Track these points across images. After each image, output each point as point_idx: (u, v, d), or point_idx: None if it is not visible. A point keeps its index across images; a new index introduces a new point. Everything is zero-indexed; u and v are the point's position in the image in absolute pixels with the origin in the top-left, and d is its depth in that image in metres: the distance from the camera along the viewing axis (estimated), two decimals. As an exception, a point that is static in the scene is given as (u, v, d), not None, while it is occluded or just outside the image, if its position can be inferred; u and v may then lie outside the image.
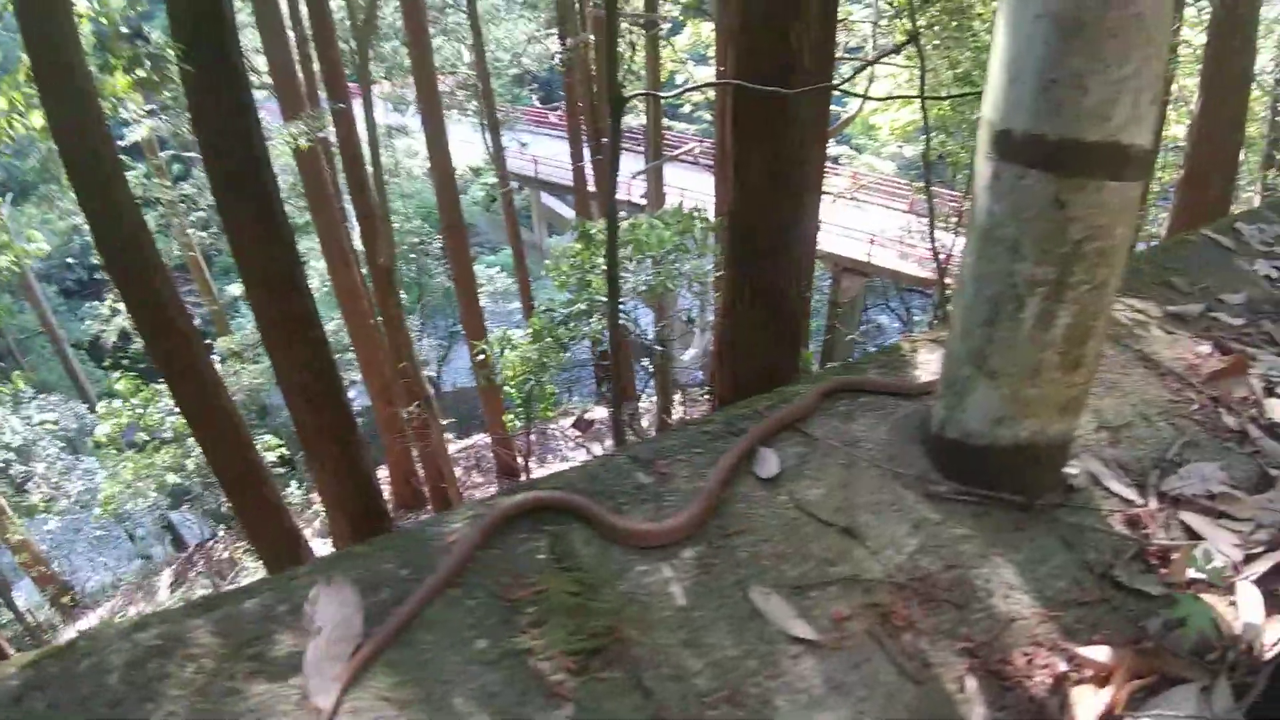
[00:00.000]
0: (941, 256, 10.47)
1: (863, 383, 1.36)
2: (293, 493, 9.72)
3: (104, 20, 5.01)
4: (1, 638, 7.04)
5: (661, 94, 4.01)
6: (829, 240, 13.22)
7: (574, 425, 11.22)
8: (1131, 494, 1.17)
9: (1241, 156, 8.92)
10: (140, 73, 5.30)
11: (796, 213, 4.92)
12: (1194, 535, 1.10)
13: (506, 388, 7.57)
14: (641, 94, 4.02)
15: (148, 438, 8.89)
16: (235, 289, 11.67)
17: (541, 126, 18.23)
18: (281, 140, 8.03)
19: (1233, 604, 0.99)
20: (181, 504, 10.15)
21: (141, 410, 7.84)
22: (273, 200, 5.21)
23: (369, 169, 7.97)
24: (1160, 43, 0.88)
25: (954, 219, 9.89)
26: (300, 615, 0.90)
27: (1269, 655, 0.91)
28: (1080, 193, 0.93)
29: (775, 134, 4.43)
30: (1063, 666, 0.88)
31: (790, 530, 1.10)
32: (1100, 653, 0.88)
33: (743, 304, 5.03)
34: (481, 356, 7.22)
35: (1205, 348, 1.65)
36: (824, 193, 12.49)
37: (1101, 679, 0.86)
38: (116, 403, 8.15)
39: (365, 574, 0.97)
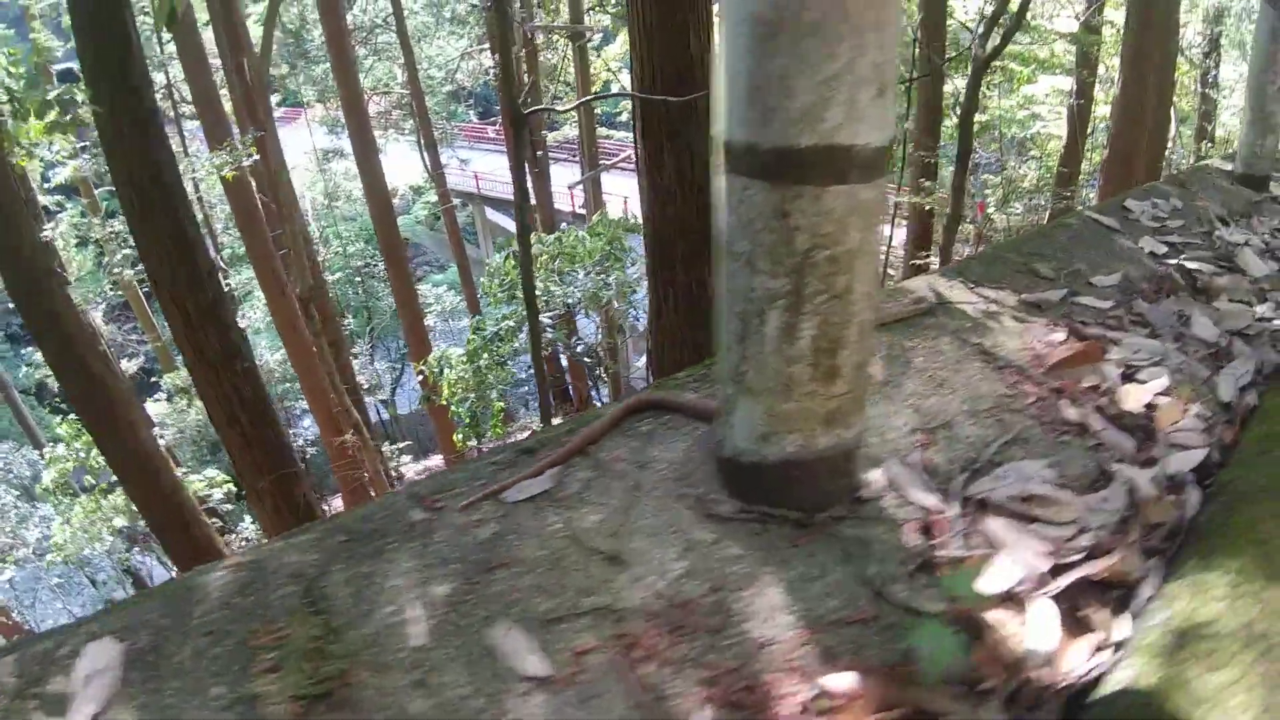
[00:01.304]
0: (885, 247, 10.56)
1: (663, 401, 1.30)
2: (246, 527, 9.46)
3: (11, 70, 4.85)
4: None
5: (556, 109, 3.96)
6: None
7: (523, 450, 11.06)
8: (933, 500, 1.12)
9: (1174, 130, 9.13)
10: (51, 116, 5.13)
11: (710, 210, 4.86)
12: (999, 544, 1.05)
13: (452, 407, 7.45)
14: (539, 109, 3.98)
15: (94, 481, 8.61)
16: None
17: (481, 142, 18.08)
18: (206, 171, 7.84)
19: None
20: (136, 546, 9.83)
21: (84, 454, 7.55)
22: (187, 233, 5.04)
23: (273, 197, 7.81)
24: (878, 30, 0.82)
25: (894, 209, 9.95)
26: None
27: (1063, 684, 0.84)
28: (801, 201, 0.87)
29: (684, 138, 4.40)
30: (809, 694, 0.82)
31: (555, 560, 1.03)
32: (845, 680, 0.82)
33: (667, 311, 4.98)
34: (421, 378, 7.09)
35: (1059, 335, 1.61)
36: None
37: (848, 710, 0.80)
38: (60, 448, 7.85)
39: (129, 623, 0.95)
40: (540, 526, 1.10)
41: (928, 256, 7.57)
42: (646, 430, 1.27)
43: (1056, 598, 0.93)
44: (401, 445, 11.90)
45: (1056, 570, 0.97)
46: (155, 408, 11.34)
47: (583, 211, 12.33)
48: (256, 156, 7.50)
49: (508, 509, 1.13)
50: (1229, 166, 3.03)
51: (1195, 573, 0.86)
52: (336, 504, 10.57)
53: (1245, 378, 1.47)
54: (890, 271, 10.13)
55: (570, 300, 6.03)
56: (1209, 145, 8.89)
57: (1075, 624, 0.90)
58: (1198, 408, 1.35)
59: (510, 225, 15.46)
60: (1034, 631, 0.89)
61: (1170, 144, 8.10)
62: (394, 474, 11.94)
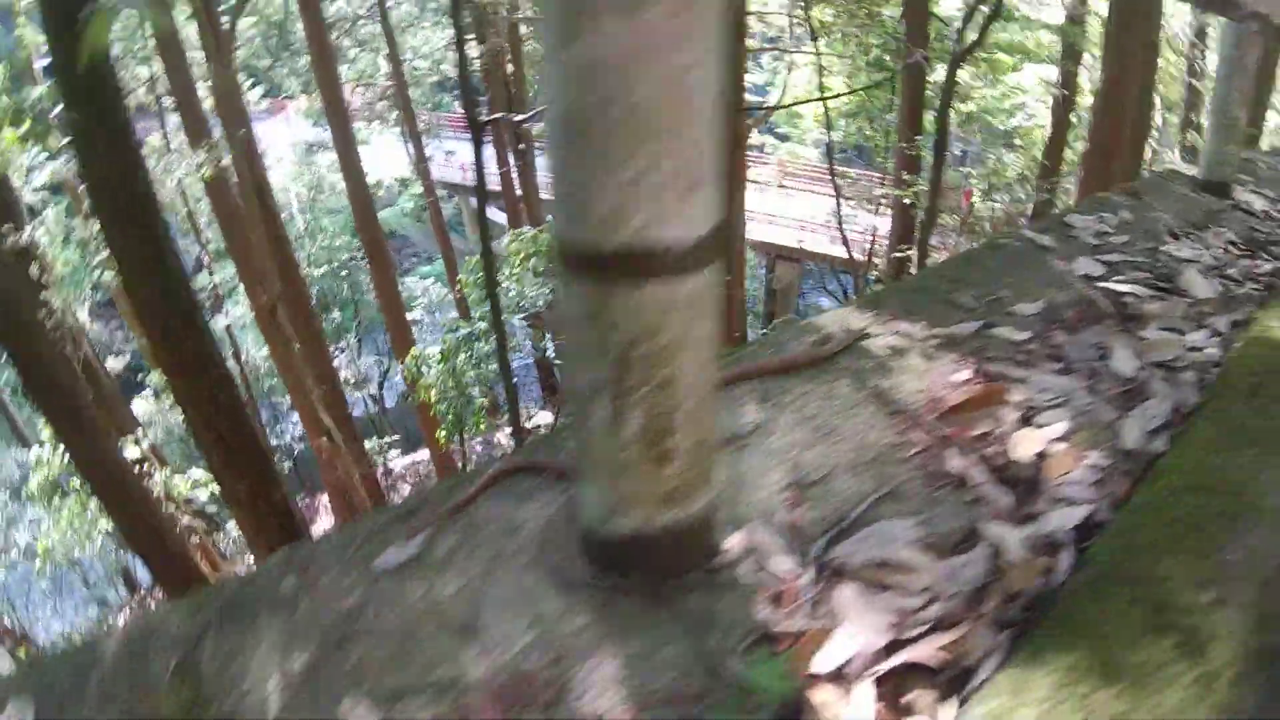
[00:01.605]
0: (865, 238, 10.52)
1: (533, 465, 1.27)
2: (233, 529, 9.48)
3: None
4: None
5: (514, 117, 3.91)
6: (760, 230, 13.21)
7: (513, 435, 11.09)
8: (788, 566, 1.09)
9: (1160, 120, 9.04)
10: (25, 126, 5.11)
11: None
12: (844, 615, 1.02)
13: (433, 405, 7.44)
14: (498, 118, 3.95)
15: (79, 483, 8.62)
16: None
17: (468, 133, 17.82)
18: (184, 171, 7.79)
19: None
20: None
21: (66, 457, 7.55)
22: (159, 243, 5.00)
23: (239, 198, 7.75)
24: (679, 135, 0.79)
25: (880, 200, 9.90)
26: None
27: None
28: (614, 299, 0.84)
29: None
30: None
31: (410, 631, 1.01)
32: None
33: None
34: (398, 375, 7.07)
35: (964, 374, 1.57)
36: (749, 182, 12.42)
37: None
38: (45, 451, 7.85)
39: (41, 684, 1.00)
40: (401, 596, 1.09)
41: (908, 249, 7.53)
42: (524, 489, 1.24)
43: (884, 679, 0.89)
44: (389, 439, 11.92)
45: (892, 647, 0.93)
46: (142, 405, 11.34)
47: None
48: (228, 159, 7.46)
49: (375, 577, 1.12)
50: (1193, 171, 2.98)
51: (1022, 665, 0.82)
52: (325, 500, 10.60)
53: (1157, 420, 1.41)
54: (876, 261, 10.08)
55: (542, 301, 5.99)
56: (1195, 135, 8.82)
57: (897, 710, 0.87)
58: (1096, 455, 1.31)
59: (500, 217, 15.39)
60: (852, 718, 0.86)
61: (1156, 133, 8.02)
62: (383, 468, 11.97)
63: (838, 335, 1.64)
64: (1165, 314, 1.81)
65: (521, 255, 6.68)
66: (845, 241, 5.93)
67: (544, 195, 12.85)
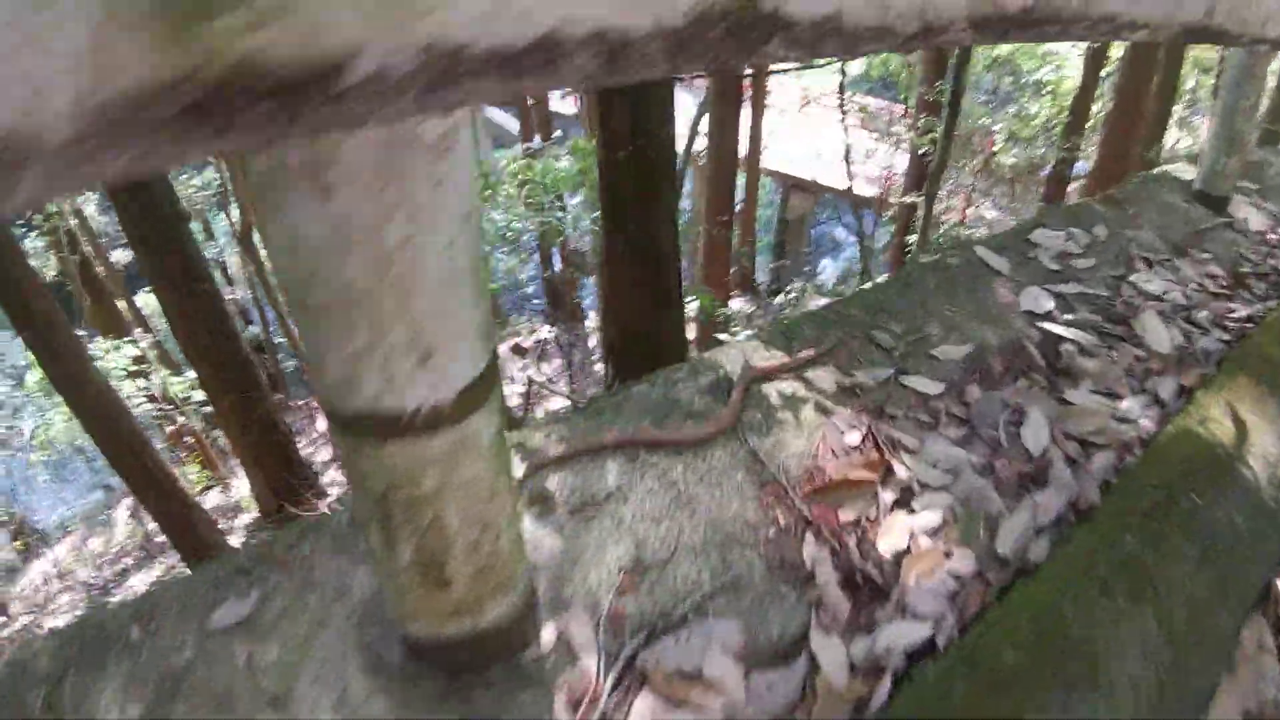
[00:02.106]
0: (883, 174, 10.06)
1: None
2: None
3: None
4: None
5: None
6: (776, 158, 12.68)
7: (512, 350, 11.08)
8: (593, 666, 1.03)
9: (1193, 82, 8.40)
10: None
11: (666, 162, 4.60)
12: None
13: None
14: None
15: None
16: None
17: None
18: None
19: None
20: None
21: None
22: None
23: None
24: (403, 309, 0.68)
25: (899, 137, 9.41)
26: None
27: None
28: (361, 454, 0.77)
29: (637, 91, 4.08)
30: None
31: (228, 696, 1.01)
32: None
33: (615, 258, 4.79)
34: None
35: (857, 436, 1.47)
36: (768, 108, 11.81)
37: None
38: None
39: None
40: (228, 656, 1.07)
41: (918, 195, 7.19)
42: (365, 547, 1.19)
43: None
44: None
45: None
46: (148, 298, 11.39)
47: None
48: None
49: (208, 633, 1.10)
50: (1190, 175, 2.74)
51: None
52: (322, 425, 10.72)
53: (1045, 518, 1.31)
54: (890, 200, 9.68)
55: (527, 236, 5.81)
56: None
57: None
58: (962, 558, 1.22)
59: (510, 124, 14.86)
60: None
61: (1186, 95, 7.42)
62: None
63: (736, 383, 1.53)
64: (1100, 374, 1.68)
65: (516, 179, 6.45)
66: (849, 176, 5.66)
67: (554, 107, 12.36)
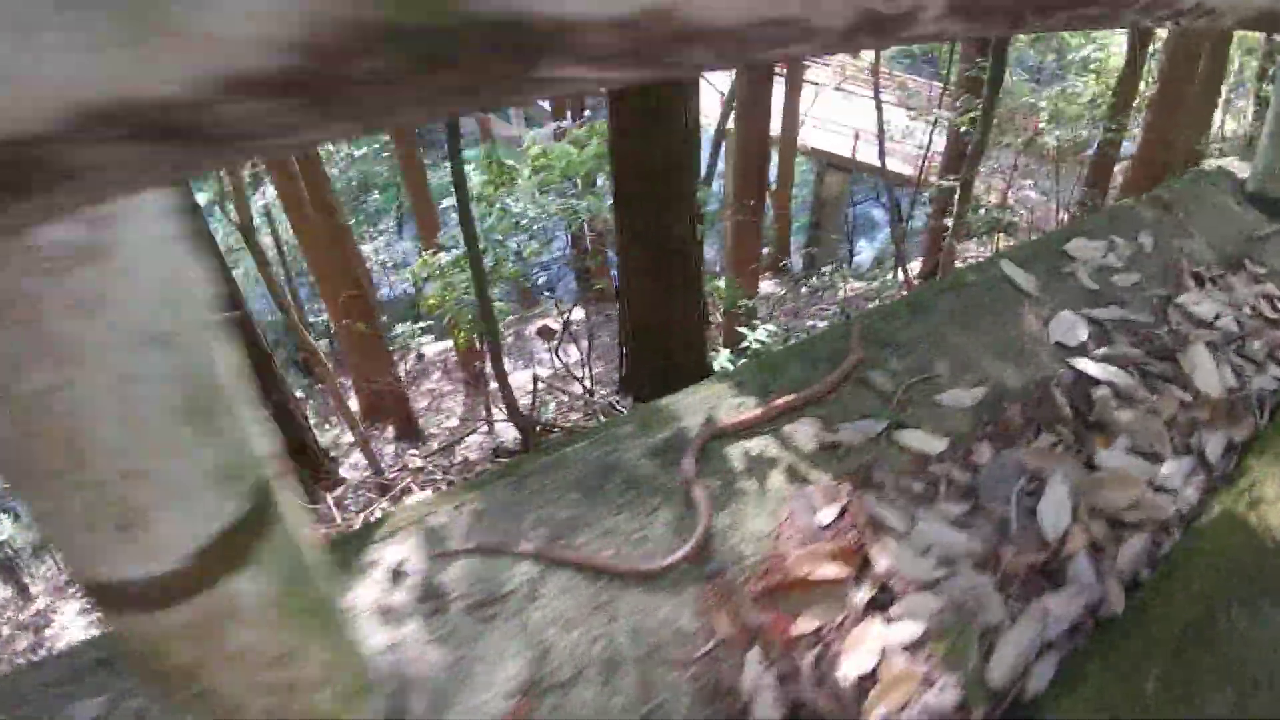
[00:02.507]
0: (923, 154, 9.55)
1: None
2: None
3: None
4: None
5: None
6: (813, 135, 12.18)
7: (538, 333, 10.90)
8: None
9: (1237, 65, 7.71)
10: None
11: (684, 147, 4.31)
12: None
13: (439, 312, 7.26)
14: None
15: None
16: (201, 198, 11.28)
17: None
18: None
19: None
20: None
21: None
22: None
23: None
24: (86, 471, 0.47)
25: (939, 113, 8.89)
26: None
27: None
28: (106, 616, 0.58)
29: None
30: None
31: None
32: None
33: (628, 248, 4.54)
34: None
35: (832, 510, 1.22)
36: (807, 83, 11.34)
37: None
38: None
39: None
40: None
41: (955, 178, 6.75)
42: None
43: None
44: (422, 325, 11.90)
45: None
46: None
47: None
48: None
49: None
50: (1245, 173, 2.38)
51: None
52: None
53: (1057, 627, 1.05)
54: (929, 180, 9.18)
55: (539, 225, 5.58)
56: (1271, 84, 7.48)
57: None
58: (944, 687, 0.98)
59: (542, 101, 14.54)
60: None
61: (1231, 76, 6.77)
62: (415, 354, 12.04)
63: (693, 441, 1.29)
64: (1139, 428, 1.39)
65: (533, 164, 6.21)
66: (881, 154, 5.30)
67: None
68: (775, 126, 11.33)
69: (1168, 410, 1.44)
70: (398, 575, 1.12)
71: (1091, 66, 7.49)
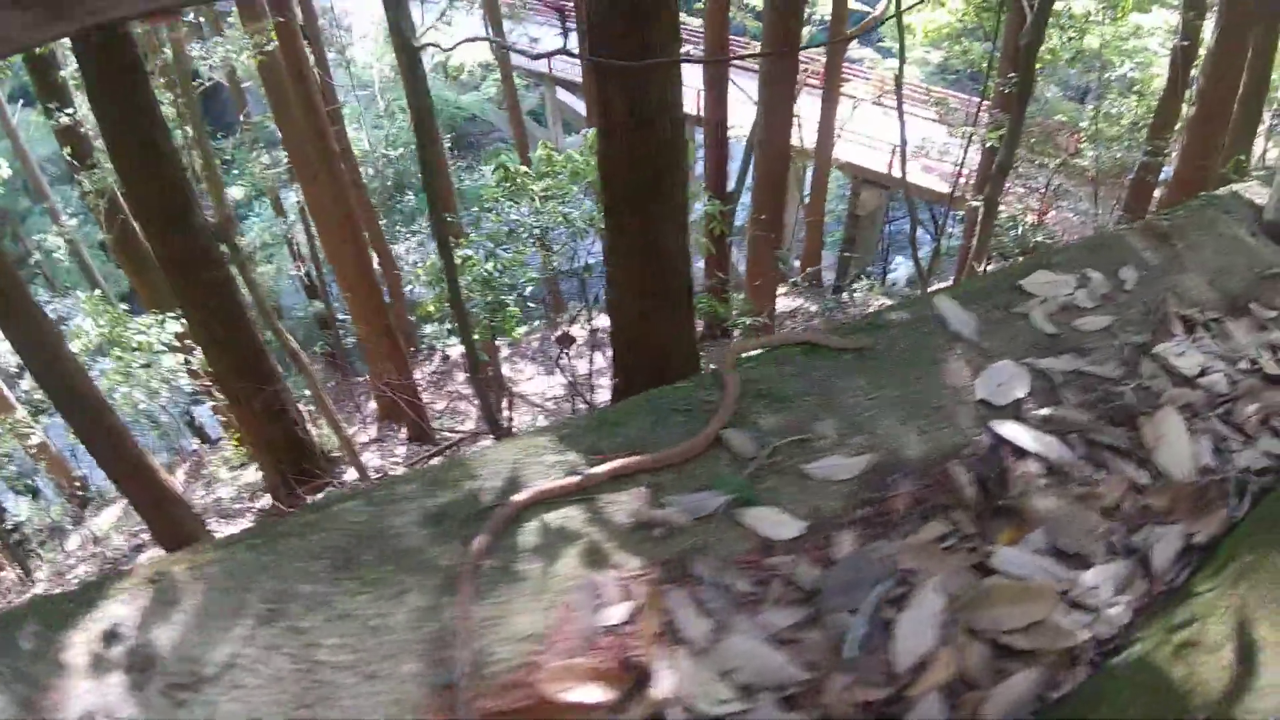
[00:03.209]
0: (963, 171, 9.07)
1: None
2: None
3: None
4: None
5: (441, 46, 3.22)
6: (849, 150, 11.75)
7: (556, 339, 10.71)
8: None
9: None
10: None
11: (670, 153, 4.04)
12: None
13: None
14: (429, 45, 3.30)
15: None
16: (236, 192, 11.46)
17: (546, 16, 16.55)
18: (225, 55, 7.48)
19: None
20: (195, 398, 10.23)
21: (107, 330, 7.74)
22: (157, 144, 4.74)
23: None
24: None
25: (977, 129, 8.42)
26: None
27: None
28: None
29: (639, 76, 3.58)
30: None
31: None
32: None
33: (616, 258, 4.28)
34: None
35: (624, 610, 0.94)
36: (845, 96, 10.96)
37: None
38: (85, 322, 8.08)
39: None
40: None
41: (980, 198, 6.35)
42: None
43: None
44: (450, 325, 11.83)
45: None
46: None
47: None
48: (275, 44, 7.05)
49: None
50: (1262, 199, 2.01)
51: None
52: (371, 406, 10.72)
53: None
54: (967, 198, 8.71)
55: (539, 228, 5.38)
56: None
57: None
58: None
59: (580, 107, 14.42)
60: None
61: (1276, 105, 6.19)
62: (440, 354, 12.00)
63: (495, 515, 1.03)
64: (1064, 521, 1.08)
65: (537, 171, 6.03)
66: (903, 168, 4.97)
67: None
68: (810, 139, 10.97)
69: (1111, 495, 1.13)
70: (111, 638, 0.92)
71: (1135, 88, 6.98)
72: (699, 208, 6.52)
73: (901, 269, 14.01)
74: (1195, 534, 1.08)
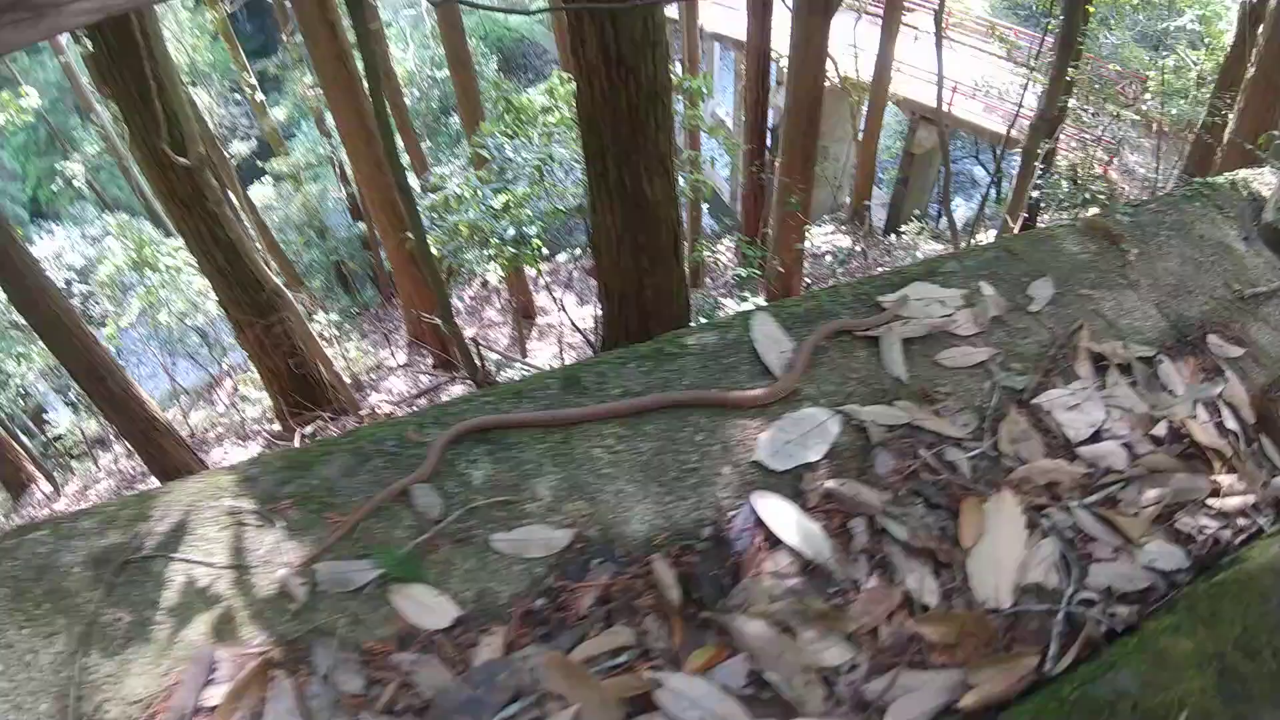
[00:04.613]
0: (1023, 110, 8.17)
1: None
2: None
3: None
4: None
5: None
6: (907, 84, 10.76)
7: (588, 270, 10.40)
8: None
9: None
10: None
11: (649, 99, 3.70)
12: None
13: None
14: None
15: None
16: (280, 113, 11.36)
17: None
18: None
19: None
20: None
21: (135, 253, 7.84)
22: (149, 82, 4.61)
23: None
24: None
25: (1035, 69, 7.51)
26: None
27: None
28: None
29: (605, 10, 3.25)
30: None
31: None
32: None
33: (600, 206, 3.99)
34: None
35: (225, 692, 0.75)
36: (906, 27, 9.97)
37: None
38: (113, 244, 8.18)
39: None
40: None
41: (1050, 143, 5.60)
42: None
43: None
44: (491, 251, 11.66)
45: None
46: (262, 191, 11.74)
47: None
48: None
49: None
50: (1268, 189, 1.58)
51: None
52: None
53: None
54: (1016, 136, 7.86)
55: (534, 165, 5.05)
56: None
57: None
58: None
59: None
60: None
61: None
62: (480, 279, 11.89)
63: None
64: (771, 648, 0.82)
65: (538, 107, 5.67)
66: (939, 99, 4.47)
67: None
68: (866, 72, 10.07)
69: (869, 614, 0.85)
70: None
71: (1204, 42, 6.00)
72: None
73: (961, 210, 13.04)
74: (969, 692, 0.79)
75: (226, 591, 0.86)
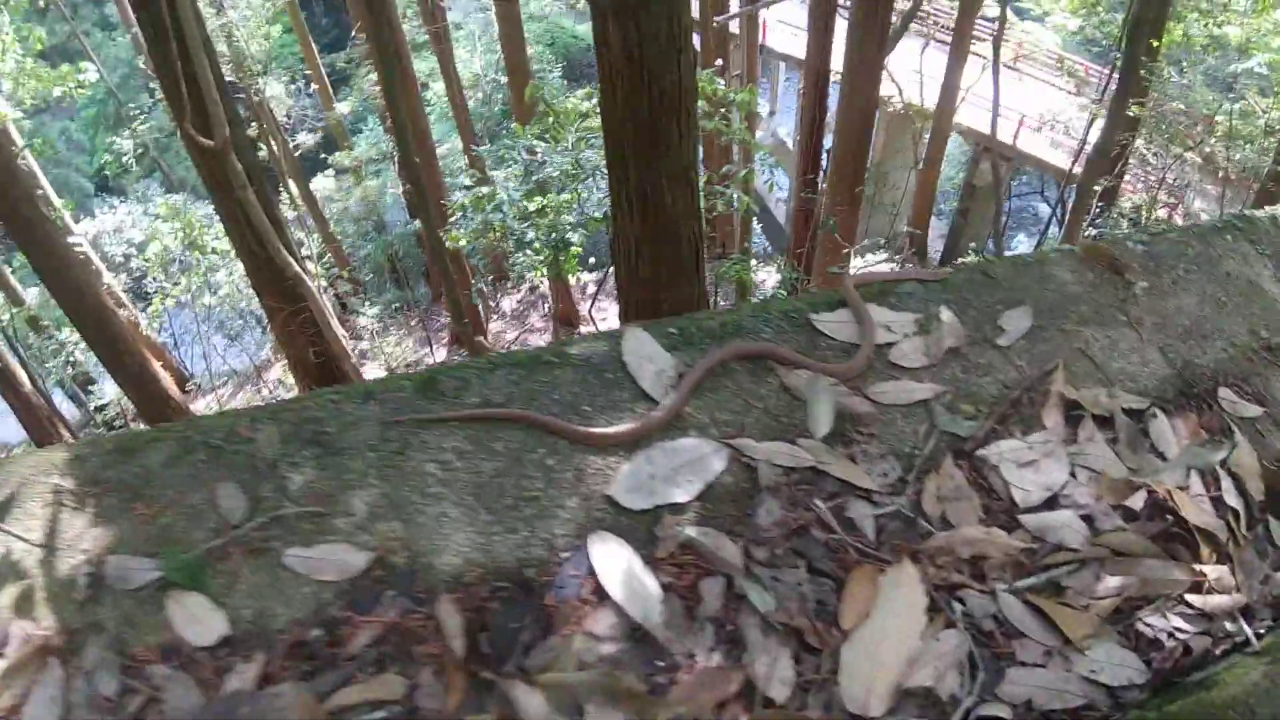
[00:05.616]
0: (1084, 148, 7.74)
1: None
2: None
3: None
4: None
5: None
6: (973, 113, 10.34)
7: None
8: None
9: None
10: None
11: (672, 106, 3.57)
12: None
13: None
14: None
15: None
16: (345, 107, 11.62)
17: None
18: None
19: None
20: None
21: (183, 233, 8.05)
22: (192, 68, 4.72)
23: None
24: None
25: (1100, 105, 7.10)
26: None
27: None
28: None
29: (631, 12, 3.12)
30: None
31: None
32: None
33: (621, 214, 3.88)
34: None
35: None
36: (973, 54, 9.61)
37: None
38: (161, 225, 8.41)
39: None
40: None
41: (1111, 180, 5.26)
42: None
43: None
44: (542, 256, 11.69)
45: None
46: (323, 183, 12.01)
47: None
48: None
49: None
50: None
51: None
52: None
53: None
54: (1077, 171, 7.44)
55: (557, 173, 4.97)
56: None
57: None
58: None
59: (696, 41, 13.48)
60: None
61: None
62: (530, 286, 11.90)
63: None
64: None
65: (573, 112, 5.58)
66: (994, 128, 4.21)
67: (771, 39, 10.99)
68: (931, 99, 9.72)
69: (677, 706, 0.68)
70: None
71: (1277, 89, 5.57)
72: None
73: (1022, 246, 12.47)
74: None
75: (34, 569, 0.77)
